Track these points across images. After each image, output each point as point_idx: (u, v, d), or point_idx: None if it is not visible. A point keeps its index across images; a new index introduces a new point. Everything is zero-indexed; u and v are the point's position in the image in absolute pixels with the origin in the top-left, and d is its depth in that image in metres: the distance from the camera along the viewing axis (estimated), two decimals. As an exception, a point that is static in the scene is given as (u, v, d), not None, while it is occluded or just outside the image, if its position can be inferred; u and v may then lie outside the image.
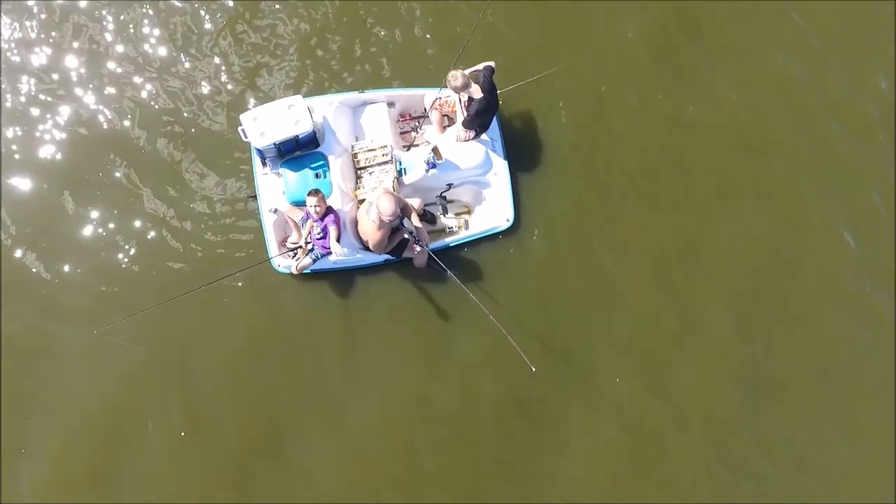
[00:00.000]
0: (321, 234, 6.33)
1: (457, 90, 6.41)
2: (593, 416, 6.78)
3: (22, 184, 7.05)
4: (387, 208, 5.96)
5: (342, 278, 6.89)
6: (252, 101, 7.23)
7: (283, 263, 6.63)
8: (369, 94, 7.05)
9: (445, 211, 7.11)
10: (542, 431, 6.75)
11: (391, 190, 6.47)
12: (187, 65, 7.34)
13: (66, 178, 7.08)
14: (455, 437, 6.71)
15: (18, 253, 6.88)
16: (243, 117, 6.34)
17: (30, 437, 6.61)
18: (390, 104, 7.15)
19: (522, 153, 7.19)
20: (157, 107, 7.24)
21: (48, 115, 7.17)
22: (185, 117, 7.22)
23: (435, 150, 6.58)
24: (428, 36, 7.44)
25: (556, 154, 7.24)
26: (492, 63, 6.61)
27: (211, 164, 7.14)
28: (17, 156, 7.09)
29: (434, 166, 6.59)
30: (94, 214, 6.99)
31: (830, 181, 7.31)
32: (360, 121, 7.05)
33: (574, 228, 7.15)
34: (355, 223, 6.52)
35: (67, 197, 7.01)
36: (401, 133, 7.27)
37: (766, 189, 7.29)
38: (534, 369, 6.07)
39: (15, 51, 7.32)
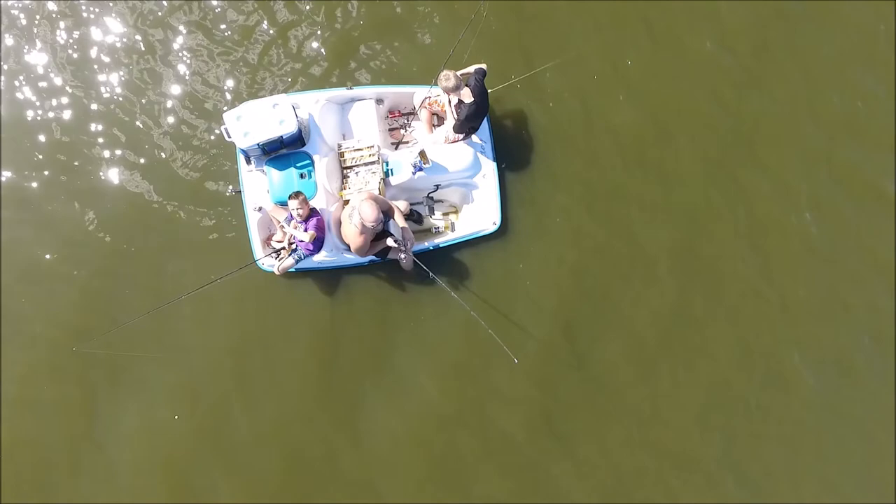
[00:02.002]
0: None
1: (448, 91, 6.27)
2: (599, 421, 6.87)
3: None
4: (369, 215, 5.88)
5: (327, 277, 6.85)
6: (235, 99, 7.06)
7: (267, 262, 6.58)
8: (357, 91, 6.90)
9: (432, 211, 7.05)
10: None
11: (375, 194, 6.38)
12: (163, 66, 7.18)
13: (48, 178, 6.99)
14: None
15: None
16: (226, 116, 6.22)
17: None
18: (379, 101, 7.01)
19: (512, 154, 7.10)
20: (137, 103, 7.12)
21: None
22: (163, 113, 7.10)
23: (422, 154, 6.48)
24: (419, 34, 7.26)
25: (545, 155, 7.16)
26: (483, 65, 6.48)
27: (194, 164, 7.00)
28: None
29: (420, 169, 6.50)
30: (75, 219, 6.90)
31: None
32: (347, 118, 6.92)
33: (562, 231, 7.09)
34: (339, 224, 6.44)
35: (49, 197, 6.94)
36: (389, 130, 7.15)
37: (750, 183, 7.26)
38: (516, 361, 6.11)
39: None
